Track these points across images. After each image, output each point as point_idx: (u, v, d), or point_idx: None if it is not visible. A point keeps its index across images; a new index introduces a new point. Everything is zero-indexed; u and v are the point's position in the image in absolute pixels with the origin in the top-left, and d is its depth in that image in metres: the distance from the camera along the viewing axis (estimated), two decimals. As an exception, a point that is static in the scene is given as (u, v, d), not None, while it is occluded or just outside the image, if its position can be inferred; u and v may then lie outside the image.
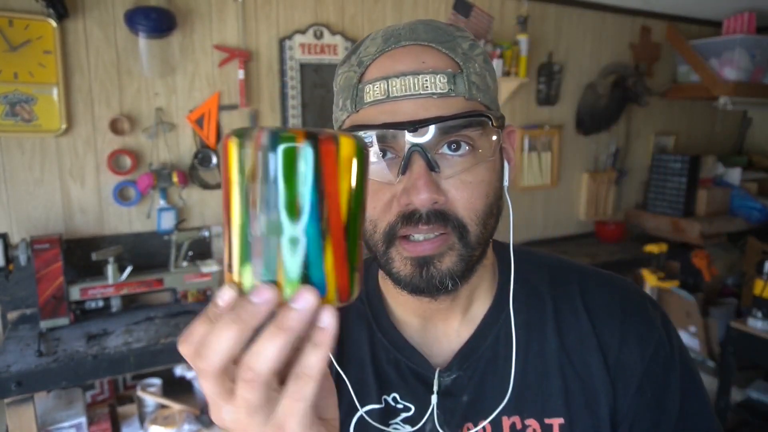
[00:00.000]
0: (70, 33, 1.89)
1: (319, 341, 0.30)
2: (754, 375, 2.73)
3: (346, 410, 0.56)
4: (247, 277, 0.31)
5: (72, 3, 1.86)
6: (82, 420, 1.71)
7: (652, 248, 3.00)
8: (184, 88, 2.09)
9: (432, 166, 0.47)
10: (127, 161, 2.01)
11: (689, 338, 3.17)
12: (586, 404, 0.56)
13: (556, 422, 0.55)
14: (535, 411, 0.55)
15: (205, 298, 2.05)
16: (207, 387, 0.31)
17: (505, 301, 0.58)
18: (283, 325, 0.29)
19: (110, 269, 1.84)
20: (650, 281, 3.04)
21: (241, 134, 0.31)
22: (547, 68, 2.94)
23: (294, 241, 0.30)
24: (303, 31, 2.26)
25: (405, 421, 0.56)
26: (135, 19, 1.88)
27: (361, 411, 0.57)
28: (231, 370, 0.31)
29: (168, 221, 2.08)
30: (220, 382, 0.31)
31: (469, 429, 0.55)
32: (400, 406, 0.56)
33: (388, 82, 0.47)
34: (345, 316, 0.59)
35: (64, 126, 1.88)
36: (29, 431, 1.54)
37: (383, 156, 0.49)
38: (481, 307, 0.59)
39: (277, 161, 0.30)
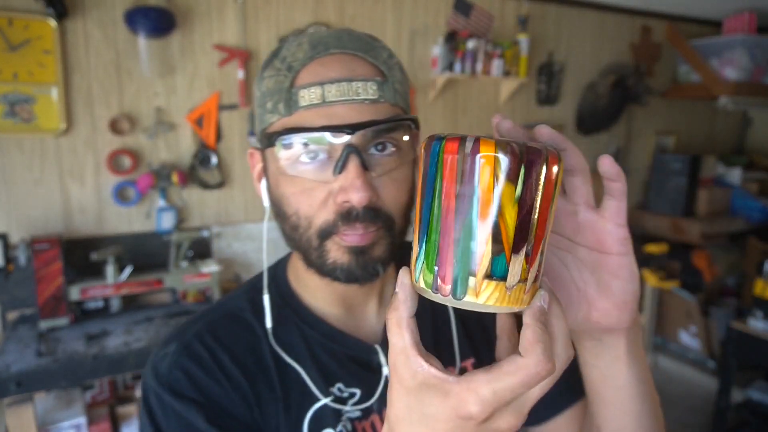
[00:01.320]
0: (70, 33, 1.89)
1: None
2: (755, 375, 2.73)
3: (297, 409, 0.59)
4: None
5: (71, 3, 1.86)
6: (82, 420, 1.71)
7: (652, 248, 2.99)
8: (183, 88, 2.09)
9: (366, 166, 0.51)
10: (127, 161, 2.01)
11: (690, 338, 3.17)
12: (487, 341, 0.68)
13: (469, 363, 0.66)
14: (451, 359, 0.65)
15: (204, 298, 2.05)
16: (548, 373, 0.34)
17: None
18: None
19: (110, 269, 1.84)
20: (651, 281, 3.04)
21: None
22: (547, 68, 2.93)
23: None
24: (303, 31, 2.26)
25: (354, 405, 0.59)
26: (135, 18, 1.88)
27: (312, 409, 0.59)
28: None
29: (168, 221, 2.08)
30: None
31: None
32: (346, 394, 0.59)
33: (323, 88, 0.50)
34: (276, 321, 0.62)
35: (63, 126, 1.88)
36: (29, 431, 1.54)
37: (315, 157, 0.51)
38: (391, 287, 0.67)
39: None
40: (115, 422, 1.84)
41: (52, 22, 1.82)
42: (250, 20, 2.17)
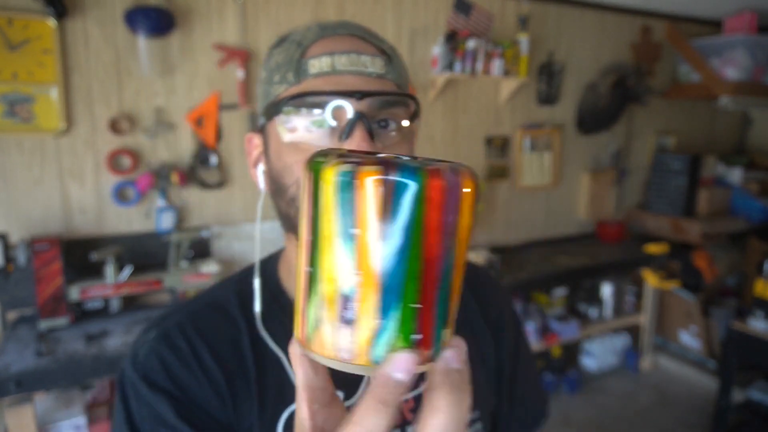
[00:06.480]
0: (70, 32, 1.88)
1: None
2: (755, 375, 2.72)
3: (273, 409, 0.56)
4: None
5: (71, 2, 1.86)
6: (82, 420, 1.71)
7: (652, 248, 2.99)
8: (183, 87, 2.09)
9: (372, 135, 0.50)
10: (127, 161, 2.00)
11: (690, 338, 3.17)
12: (482, 360, 0.68)
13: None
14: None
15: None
16: None
17: None
18: None
19: (109, 269, 1.84)
20: (651, 281, 3.04)
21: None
22: (547, 68, 2.93)
23: None
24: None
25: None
26: (134, 18, 1.88)
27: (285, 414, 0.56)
28: None
29: (167, 221, 2.08)
30: None
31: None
32: None
33: (332, 57, 0.51)
34: (264, 314, 0.59)
35: (63, 126, 1.88)
36: (29, 431, 1.54)
37: (321, 124, 0.51)
38: None
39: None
40: (115, 422, 1.84)
41: (52, 22, 1.82)
42: (249, 20, 2.17)
